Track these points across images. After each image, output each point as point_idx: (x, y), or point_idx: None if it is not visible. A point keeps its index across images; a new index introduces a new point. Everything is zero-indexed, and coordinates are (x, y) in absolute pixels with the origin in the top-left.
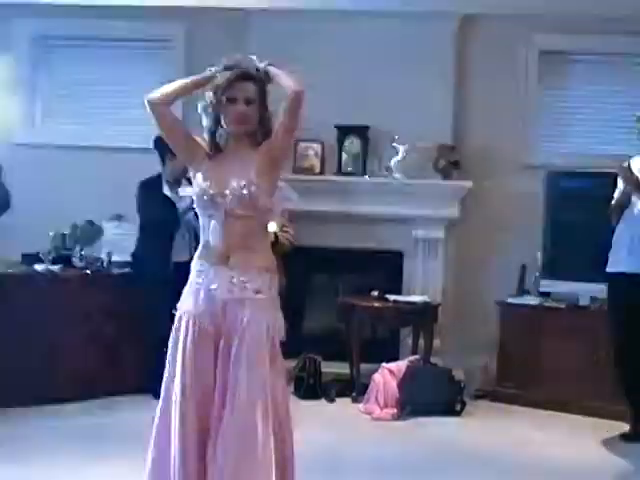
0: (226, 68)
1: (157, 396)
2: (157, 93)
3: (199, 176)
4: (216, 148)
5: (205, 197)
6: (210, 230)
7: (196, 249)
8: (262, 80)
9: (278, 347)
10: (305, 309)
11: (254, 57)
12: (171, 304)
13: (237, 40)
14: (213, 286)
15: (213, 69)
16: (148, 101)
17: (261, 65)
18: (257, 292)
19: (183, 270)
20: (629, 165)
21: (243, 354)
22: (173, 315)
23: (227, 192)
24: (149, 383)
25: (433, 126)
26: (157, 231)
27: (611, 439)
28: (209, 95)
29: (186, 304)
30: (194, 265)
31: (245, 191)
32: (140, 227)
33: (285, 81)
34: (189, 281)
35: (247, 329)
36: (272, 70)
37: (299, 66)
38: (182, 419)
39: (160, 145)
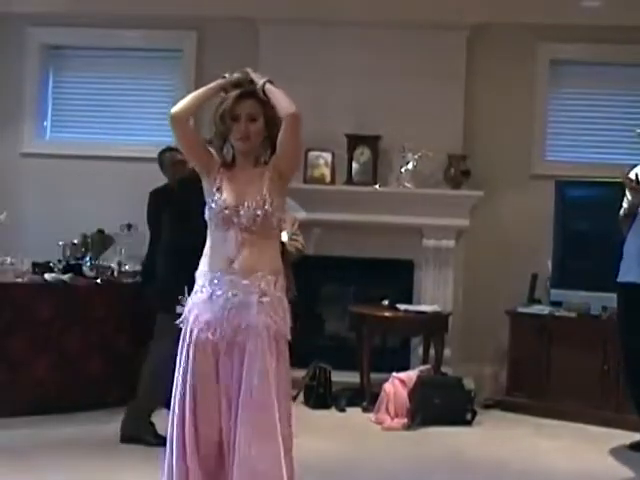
0: (236, 84)
1: (168, 406)
2: (178, 106)
3: (217, 192)
4: (226, 163)
5: (220, 215)
6: (222, 244)
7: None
8: (266, 98)
9: (285, 351)
10: (315, 318)
11: (250, 70)
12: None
13: (248, 50)
14: (217, 292)
15: (227, 75)
16: (171, 116)
17: (259, 81)
18: (261, 295)
19: (192, 279)
20: (636, 176)
21: (247, 363)
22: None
23: (242, 212)
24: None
25: (443, 136)
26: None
27: (620, 449)
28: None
29: (191, 312)
30: (199, 273)
31: (259, 211)
32: (150, 236)
33: (280, 101)
34: (194, 289)
35: (251, 336)
36: (268, 88)
37: (309, 75)
38: (190, 429)
39: (161, 159)
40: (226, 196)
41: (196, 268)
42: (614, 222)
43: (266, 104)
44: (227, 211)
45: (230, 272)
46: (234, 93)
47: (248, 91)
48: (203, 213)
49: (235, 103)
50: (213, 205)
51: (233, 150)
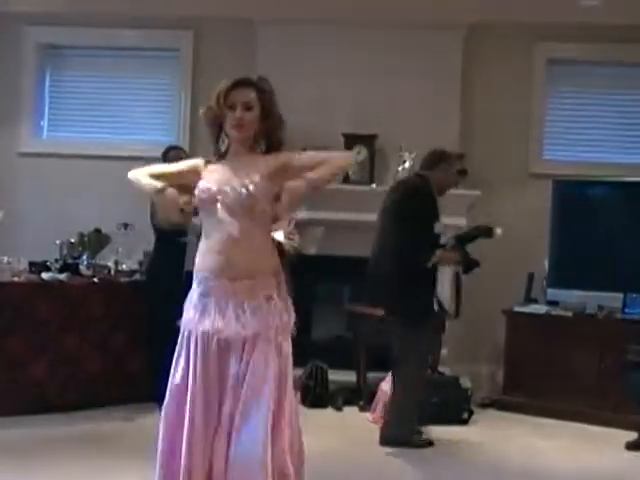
0: None
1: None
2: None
3: (204, 181)
4: (219, 154)
5: (204, 195)
6: (211, 231)
7: None
8: (264, 88)
9: (289, 351)
10: (312, 317)
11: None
12: (178, 314)
13: (245, 50)
14: (219, 294)
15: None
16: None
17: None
18: (268, 299)
19: (191, 279)
20: None
21: (251, 365)
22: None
23: (226, 189)
24: (157, 394)
25: (440, 135)
26: (170, 240)
27: (617, 448)
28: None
29: (191, 314)
30: (196, 274)
31: (244, 189)
32: (155, 237)
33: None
34: (192, 290)
35: (256, 338)
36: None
37: (307, 75)
38: (190, 430)
39: (165, 157)
40: (211, 180)
41: None
42: (612, 221)
43: (263, 93)
44: (213, 188)
45: (230, 273)
46: (230, 81)
47: (245, 79)
48: None
49: (231, 91)
50: (198, 194)
51: (228, 140)
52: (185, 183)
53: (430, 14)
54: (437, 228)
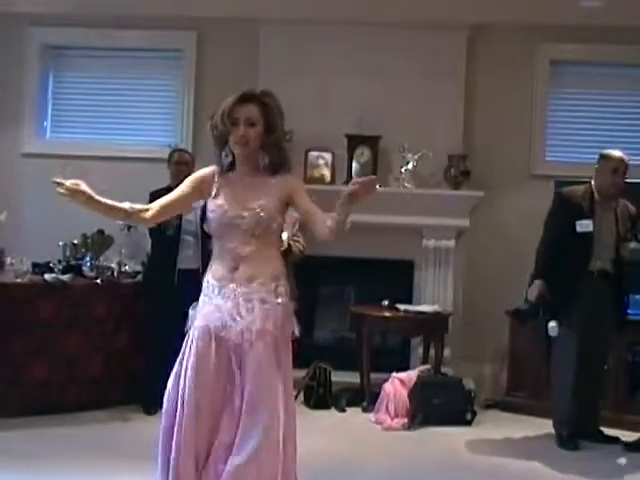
0: None
1: (148, 411)
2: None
3: (216, 200)
4: (225, 169)
5: (224, 219)
6: (227, 249)
7: (204, 258)
8: (267, 102)
9: (288, 354)
10: (315, 318)
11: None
12: (175, 313)
13: (248, 50)
14: (220, 300)
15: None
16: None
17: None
18: (262, 303)
19: (190, 278)
20: None
21: (253, 370)
22: (178, 324)
23: (245, 214)
24: (141, 396)
25: (443, 136)
26: (165, 240)
27: (620, 449)
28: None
29: (197, 319)
30: (205, 280)
31: (263, 213)
32: (150, 236)
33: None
34: (201, 296)
35: (253, 342)
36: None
37: (309, 75)
38: (187, 434)
39: (169, 157)
40: (226, 201)
41: None
42: None
43: (266, 108)
44: (231, 213)
45: (232, 280)
46: (234, 96)
47: (248, 94)
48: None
49: (234, 106)
50: (211, 215)
51: (233, 155)
52: (186, 201)
53: (433, 15)
54: (580, 227)
